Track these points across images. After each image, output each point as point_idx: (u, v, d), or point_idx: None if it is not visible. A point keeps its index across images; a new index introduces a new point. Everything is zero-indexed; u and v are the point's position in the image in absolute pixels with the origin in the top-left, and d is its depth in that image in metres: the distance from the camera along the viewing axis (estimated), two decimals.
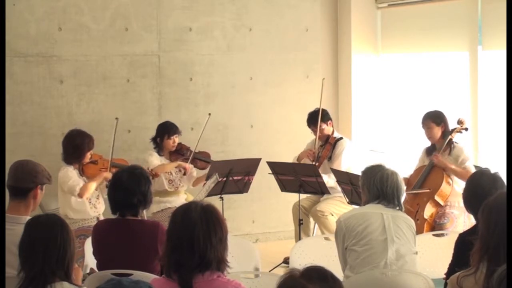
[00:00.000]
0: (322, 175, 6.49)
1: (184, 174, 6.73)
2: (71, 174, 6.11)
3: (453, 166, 6.09)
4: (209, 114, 6.86)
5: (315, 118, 6.83)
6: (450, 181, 6.13)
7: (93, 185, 6.09)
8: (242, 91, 7.81)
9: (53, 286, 3.14)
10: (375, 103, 8.21)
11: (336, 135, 6.96)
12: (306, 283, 2.33)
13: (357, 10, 8.07)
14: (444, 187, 6.10)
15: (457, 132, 6.23)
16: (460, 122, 6.25)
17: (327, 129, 6.90)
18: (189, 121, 7.50)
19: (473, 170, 6.00)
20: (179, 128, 6.77)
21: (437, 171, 6.16)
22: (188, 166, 6.69)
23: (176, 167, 6.69)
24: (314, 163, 6.70)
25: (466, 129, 6.28)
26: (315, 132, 6.85)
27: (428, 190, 6.12)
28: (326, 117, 6.91)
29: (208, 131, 7.09)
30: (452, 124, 6.27)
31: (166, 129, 6.72)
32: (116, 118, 6.36)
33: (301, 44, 8.00)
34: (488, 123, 6.85)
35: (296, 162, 6.92)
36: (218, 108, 7.70)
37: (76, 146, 6.15)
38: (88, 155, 6.22)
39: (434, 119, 6.25)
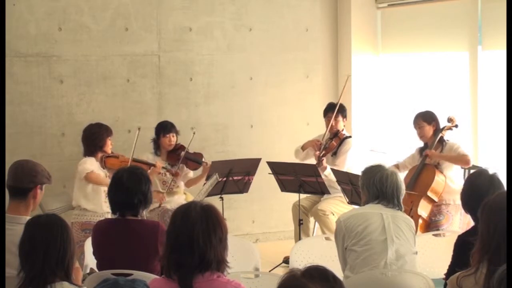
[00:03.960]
0: (327, 166, 6.64)
1: (173, 175, 6.69)
2: (88, 162, 6.28)
3: (446, 154, 6.20)
4: (194, 133, 6.88)
5: (334, 108, 6.88)
6: (443, 177, 6.22)
7: (101, 180, 6.21)
8: (242, 91, 7.81)
9: (53, 286, 3.14)
10: (375, 103, 8.21)
11: (346, 133, 7.00)
12: (307, 283, 2.32)
13: (357, 10, 8.06)
14: (436, 183, 6.18)
15: (448, 129, 6.34)
16: (450, 119, 6.37)
17: (341, 123, 6.95)
18: (189, 121, 7.49)
19: (466, 152, 6.15)
20: (176, 127, 6.80)
21: (428, 169, 6.26)
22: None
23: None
24: (319, 153, 6.74)
25: (457, 126, 6.37)
26: (329, 120, 6.87)
27: (416, 193, 6.18)
28: (344, 112, 7.01)
29: (208, 131, 7.09)
30: (442, 123, 6.36)
31: (162, 127, 6.78)
32: (138, 128, 6.52)
33: (301, 44, 8.00)
34: (488, 123, 6.85)
35: (300, 149, 7.01)
36: (218, 108, 7.69)
37: (94, 133, 6.39)
38: (109, 142, 6.40)
39: (425, 118, 6.35)
